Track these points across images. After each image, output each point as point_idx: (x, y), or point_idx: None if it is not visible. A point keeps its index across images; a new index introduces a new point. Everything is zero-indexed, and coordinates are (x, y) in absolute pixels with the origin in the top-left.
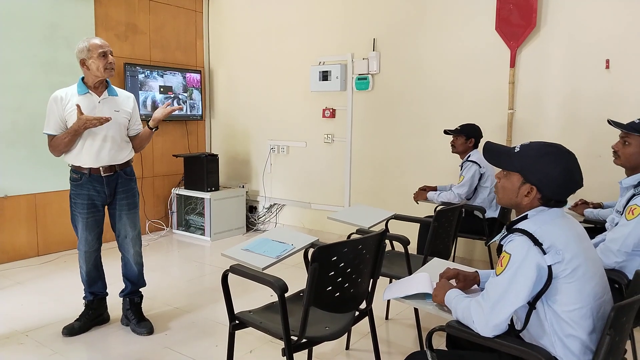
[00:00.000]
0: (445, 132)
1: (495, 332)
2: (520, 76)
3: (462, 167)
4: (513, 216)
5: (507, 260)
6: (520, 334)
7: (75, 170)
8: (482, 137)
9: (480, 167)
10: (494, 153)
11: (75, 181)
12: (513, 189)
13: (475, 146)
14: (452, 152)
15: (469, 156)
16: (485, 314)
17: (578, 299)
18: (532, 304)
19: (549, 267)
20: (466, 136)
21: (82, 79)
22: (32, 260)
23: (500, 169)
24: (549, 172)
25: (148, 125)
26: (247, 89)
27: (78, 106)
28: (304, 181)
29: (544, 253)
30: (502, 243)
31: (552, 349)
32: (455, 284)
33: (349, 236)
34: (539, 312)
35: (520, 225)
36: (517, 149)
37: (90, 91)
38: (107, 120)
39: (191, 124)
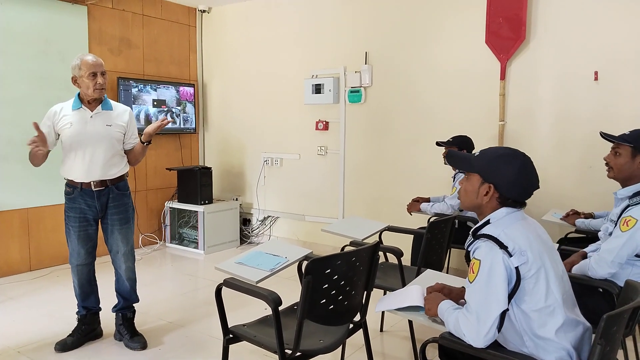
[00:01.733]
0: (437, 143)
1: (486, 342)
2: (511, 88)
3: (454, 178)
4: None
5: (477, 266)
6: (496, 339)
7: (69, 184)
8: (474, 148)
9: None
10: (457, 159)
11: (69, 195)
12: (473, 190)
13: None
14: (444, 163)
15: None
16: (473, 324)
17: (545, 297)
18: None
19: (517, 268)
20: (458, 147)
21: (79, 94)
22: (24, 275)
23: (464, 177)
24: (505, 171)
25: (140, 140)
26: (240, 102)
27: (34, 123)
28: (297, 193)
29: (510, 255)
30: (469, 250)
31: (532, 352)
32: None
33: (342, 248)
34: (510, 314)
35: (484, 231)
36: (476, 154)
37: (83, 106)
38: (37, 146)
39: (185, 137)
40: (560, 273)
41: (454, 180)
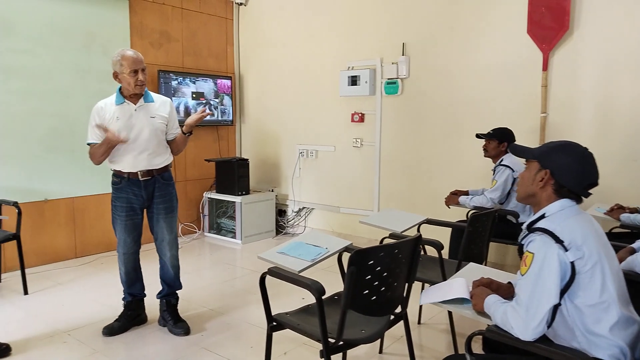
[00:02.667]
0: (477, 136)
1: (534, 336)
2: (553, 79)
3: (494, 171)
4: None
5: (530, 259)
6: (545, 333)
7: (116, 174)
8: (514, 140)
9: (514, 171)
10: (519, 148)
11: (116, 185)
12: (530, 176)
13: (508, 150)
14: (485, 156)
15: (501, 160)
16: (522, 318)
17: (600, 293)
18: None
19: (572, 263)
20: (499, 140)
21: (120, 88)
22: (70, 262)
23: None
24: (562, 158)
25: (182, 131)
26: (276, 94)
27: (101, 126)
28: (332, 185)
29: (566, 250)
30: (523, 243)
31: (584, 348)
32: None
33: (381, 240)
34: (562, 309)
35: (540, 224)
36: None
37: (126, 100)
38: (124, 141)
39: (222, 129)
40: (615, 269)
41: (494, 174)
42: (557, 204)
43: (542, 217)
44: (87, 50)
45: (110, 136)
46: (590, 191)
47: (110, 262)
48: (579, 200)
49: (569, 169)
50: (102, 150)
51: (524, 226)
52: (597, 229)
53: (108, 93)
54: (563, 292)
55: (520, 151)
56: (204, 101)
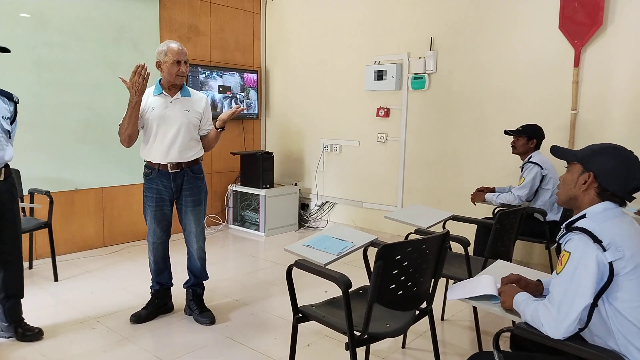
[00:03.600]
0: (506, 132)
1: (566, 334)
2: (585, 76)
3: (522, 168)
4: None
5: (566, 258)
6: (581, 334)
7: (147, 165)
8: (544, 138)
9: (542, 168)
10: (561, 150)
11: (147, 175)
12: (572, 179)
13: (537, 147)
14: (513, 153)
15: (530, 157)
16: (554, 316)
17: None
18: (593, 302)
19: (610, 263)
20: (528, 137)
21: (160, 80)
22: (98, 250)
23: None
24: (606, 161)
25: (214, 126)
26: (301, 89)
27: (121, 78)
28: (356, 180)
29: (604, 250)
30: (560, 242)
31: (621, 350)
32: None
33: (406, 236)
34: (600, 310)
35: (579, 224)
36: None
37: (164, 92)
38: (144, 68)
39: (247, 122)
40: None
41: (522, 171)
42: (599, 206)
43: (583, 217)
44: (117, 43)
45: (128, 85)
46: (634, 195)
47: (137, 251)
48: (622, 204)
49: (613, 173)
50: (128, 115)
51: (563, 225)
52: (639, 230)
53: None
54: (601, 292)
55: (562, 153)
56: (230, 95)
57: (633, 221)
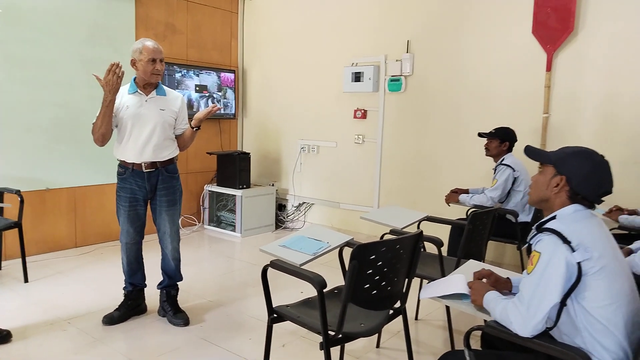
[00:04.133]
0: (480, 135)
1: (533, 332)
2: (556, 80)
3: (495, 170)
4: None
5: (537, 258)
6: (550, 332)
7: (121, 164)
8: (516, 140)
9: (514, 170)
10: (535, 152)
11: (121, 175)
12: (545, 181)
13: (510, 150)
14: (486, 155)
15: (502, 160)
16: (522, 314)
17: (607, 295)
18: (562, 302)
19: (578, 264)
20: (500, 139)
21: (135, 79)
22: (70, 251)
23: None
24: (579, 165)
25: (190, 125)
26: (279, 89)
27: (95, 76)
28: (333, 181)
29: (573, 250)
30: (531, 242)
31: (587, 348)
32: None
33: (381, 236)
34: (569, 309)
35: (549, 225)
36: (555, 150)
37: (139, 90)
38: (119, 66)
39: (224, 122)
40: (626, 272)
41: (494, 173)
42: (569, 208)
43: (553, 218)
44: (92, 41)
45: (102, 83)
46: (603, 199)
47: (110, 252)
48: (591, 207)
49: (585, 177)
50: (102, 114)
51: (534, 226)
52: (607, 232)
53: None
54: (570, 292)
55: (536, 154)
56: (207, 94)
57: (602, 223)
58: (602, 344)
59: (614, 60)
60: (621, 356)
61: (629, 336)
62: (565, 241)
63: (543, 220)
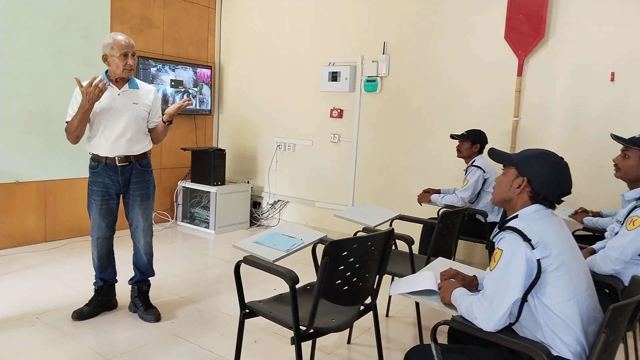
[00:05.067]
0: (452, 136)
1: (497, 327)
2: (527, 85)
3: (466, 171)
4: None
5: (499, 255)
6: (513, 327)
7: (94, 158)
8: (487, 142)
9: (485, 172)
10: (497, 154)
11: (93, 169)
12: (507, 182)
13: (480, 152)
14: (458, 156)
15: (473, 161)
16: (486, 309)
17: (565, 291)
18: (523, 298)
19: (538, 261)
20: (472, 141)
21: (106, 72)
22: (39, 245)
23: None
24: (540, 167)
25: (162, 120)
26: (256, 86)
27: (77, 79)
28: (308, 179)
29: (533, 248)
30: (494, 240)
31: (547, 342)
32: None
33: (354, 234)
34: (529, 304)
35: (511, 224)
36: (517, 152)
37: (111, 84)
38: (103, 82)
39: (200, 118)
40: (584, 269)
41: (465, 174)
42: (531, 208)
43: (515, 217)
44: (66, 32)
45: (83, 90)
46: (563, 199)
47: (80, 247)
48: (552, 206)
49: (545, 179)
50: (78, 120)
51: (497, 225)
52: (566, 231)
53: (86, 76)
54: (530, 288)
55: (499, 157)
56: (182, 89)
57: (561, 222)
58: (561, 338)
59: (581, 66)
60: (578, 349)
61: (586, 330)
62: (526, 239)
63: (505, 219)
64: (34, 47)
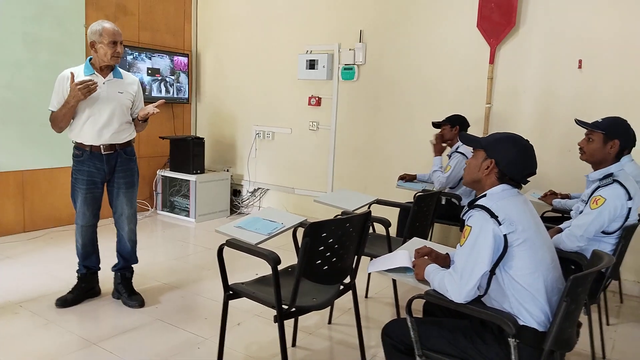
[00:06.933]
0: (434, 124)
1: (467, 298)
2: (499, 72)
3: (450, 156)
4: None
5: (468, 231)
6: (482, 299)
7: (78, 147)
8: (468, 126)
9: (467, 158)
10: (468, 137)
11: (77, 157)
12: (477, 164)
13: None
14: (442, 142)
15: (457, 147)
16: (457, 282)
17: (530, 264)
18: (491, 271)
19: (505, 236)
20: (451, 124)
21: (90, 59)
22: (18, 236)
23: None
24: (507, 150)
25: (138, 117)
26: (234, 74)
27: (72, 74)
28: (288, 167)
29: (500, 224)
30: (464, 218)
31: (514, 312)
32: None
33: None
34: (497, 277)
35: (479, 202)
36: (487, 136)
37: (96, 72)
38: (94, 84)
39: (177, 106)
40: (547, 244)
41: (449, 159)
42: (498, 188)
43: (484, 196)
44: (39, 20)
45: (79, 86)
46: (528, 179)
47: (60, 237)
48: (518, 186)
49: (511, 160)
50: (63, 113)
51: (467, 204)
52: (531, 208)
53: (60, 65)
54: (498, 262)
55: (469, 140)
56: (159, 78)
57: (526, 200)
58: (527, 308)
59: (550, 54)
60: (543, 319)
61: (550, 300)
62: (493, 216)
63: (474, 198)
64: (7, 36)
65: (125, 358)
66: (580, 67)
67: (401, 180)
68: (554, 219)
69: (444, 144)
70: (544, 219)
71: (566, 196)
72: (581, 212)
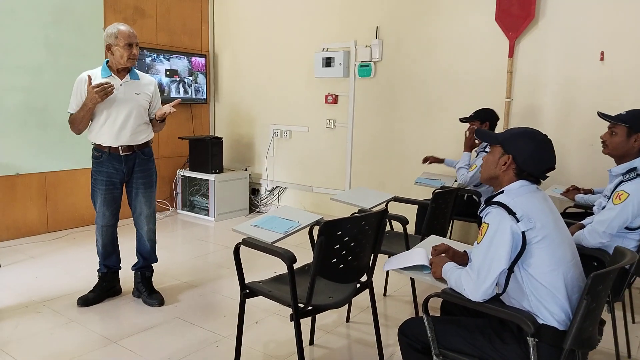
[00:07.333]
0: (461, 120)
1: (484, 297)
2: (518, 66)
3: (478, 154)
4: None
5: (485, 229)
6: (500, 297)
7: (97, 148)
8: (498, 119)
9: None
10: (484, 134)
11: (96, 159)
12: (494, 160)
13: (492, 129)
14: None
15: (485, 146)
16: (474, 280)
17: (550, 262)
18: (510, 269)
19: (523, 233)
20: (480, 120)
21: (107, 62)
22: (42, 236)
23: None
24: (524, 145)
25: (155, 117)
26: (251, 74)
27: (89, 77)
28: (305, 165)
29: (518, 221)
30: (481, 215)
31: (533, 311)
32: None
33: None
34: (516, 275)
35: (496, 199)
36: (502, 131)
37: (113, 74)
38: (111, 87)
39: (196, 107)
40: (568, 241)
41: (476, 156)
42: (516, 184)
43: (501, 192)
44: (58, 24)
45: (89, 89)
46: (547, 174)
47: (82, 237)
48: (537, 182)
49: (529, 155)
50: (81, 115)
51: (483, 200)
52: (551, 205)
53: (80, 68)
54: (516, 259)
55: (486, 136)
56: (177, 79)
57: (546, 196)
58: (546, 306)
59: (571, 47)
60: (563, 317)
61: (570, 299)
62: (511, 212)
63: (492, 195)
64: (28, 40)
65: (145, 356)
66: (602, 59)
67: (425, 162)
68: (577, 215)
69: (476, 140)
70: (566, 214)
71: (589, 191)
72: (604, 207)
